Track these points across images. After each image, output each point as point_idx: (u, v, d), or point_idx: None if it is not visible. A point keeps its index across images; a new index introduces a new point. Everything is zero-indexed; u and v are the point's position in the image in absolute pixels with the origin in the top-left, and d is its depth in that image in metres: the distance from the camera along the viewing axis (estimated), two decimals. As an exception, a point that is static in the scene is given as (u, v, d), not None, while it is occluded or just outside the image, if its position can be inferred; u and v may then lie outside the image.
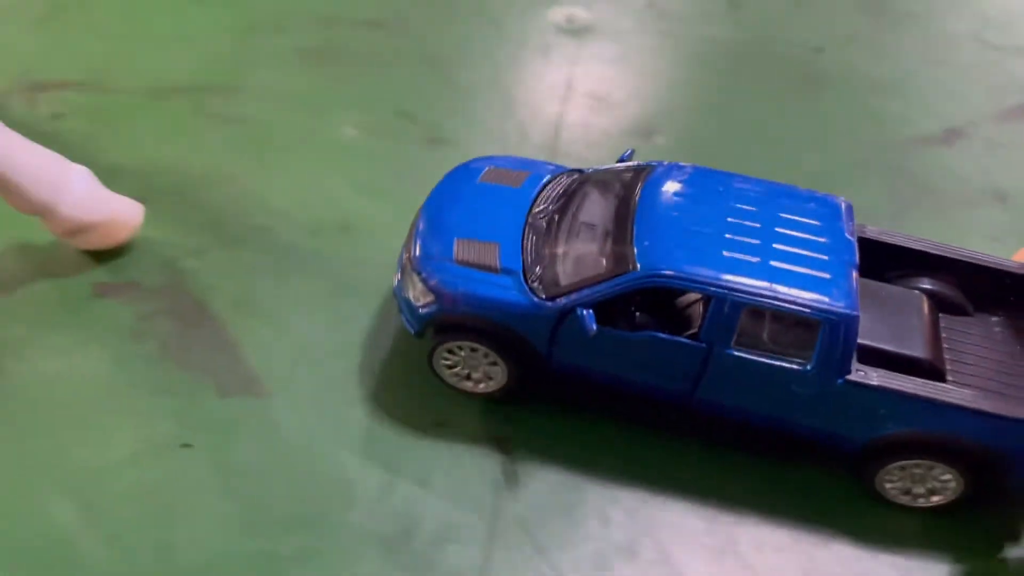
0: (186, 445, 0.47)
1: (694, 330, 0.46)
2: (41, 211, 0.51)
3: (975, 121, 0.74)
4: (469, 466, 0.48)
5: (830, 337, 0.44)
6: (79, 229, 0.52)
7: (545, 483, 0.48)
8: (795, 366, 0.45)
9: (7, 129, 0.49)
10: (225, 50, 0.71)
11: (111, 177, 0.57)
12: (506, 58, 0.74)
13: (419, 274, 0.48)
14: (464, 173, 0.53)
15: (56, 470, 0.46)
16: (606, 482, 0.48)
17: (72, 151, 0.58)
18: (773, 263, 0.45)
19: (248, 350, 0.52)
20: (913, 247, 0.53)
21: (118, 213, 0.54)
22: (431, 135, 0.66)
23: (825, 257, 0.46)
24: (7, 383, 0.49)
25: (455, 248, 0.48)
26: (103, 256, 0.55)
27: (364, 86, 0.69)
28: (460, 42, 0.75)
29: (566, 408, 0.51)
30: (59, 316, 0.52)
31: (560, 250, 0.48)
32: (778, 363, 0.45)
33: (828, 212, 0.49)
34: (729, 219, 0.47)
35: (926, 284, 0.53)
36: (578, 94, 0.71)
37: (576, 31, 0.77)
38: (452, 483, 0.47)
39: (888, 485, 0.48)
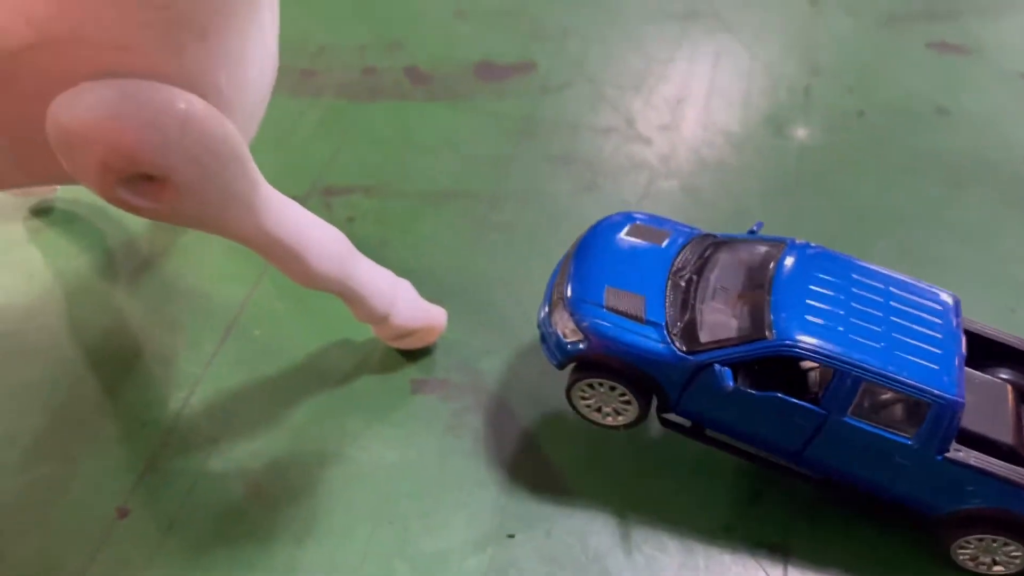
0: (511, 535, 0.55)
1: (812, 394, 0.52)
2: (378, 320, 0.59)
3: None
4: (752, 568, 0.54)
5: (937, 419, 0.50)
6: (404, 334, 0.60)
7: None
8: (901, 439, 0.51)
9: (356, 251, 0.58)
10: (484, 155, 0.80)
11: (407, 278, 0.65)
12: (736, 164, 0.80)
13: (572, 314, 0.54)
14: (611, 226, 0.59)
15: (410, 549, 0.53)
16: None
17: (368, 252, 0.67)
18: (893, 346, 0.51)
19: (549, 443, 0.59)
20: (1005, 340, 0.57)
21: (432, 319, 0.62)
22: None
23: (938, 347, 0.52)
24: (356, 469, 0.57)
25: (606, 295, 0.54)
26: (412, 354, 0.63)
27: (612, 189, 0.77)
28: (685, 143, 0.81)
29: (846, 519, 0.56)
30: (387, 409, 0.60)
31: (700, 309, 0.54)
32: (886, 435, 0.51)
33: (941, 305, 0.55)
34: (855, 302, 0.53)
35: (1005, 375, 0.57)
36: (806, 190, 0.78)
37: (799, 150, 0.82)
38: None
39: (960, 551, 0.53)
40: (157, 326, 0.64)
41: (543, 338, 0.57)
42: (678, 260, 0.57)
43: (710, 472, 0.58)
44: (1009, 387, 0.56)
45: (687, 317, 0.54)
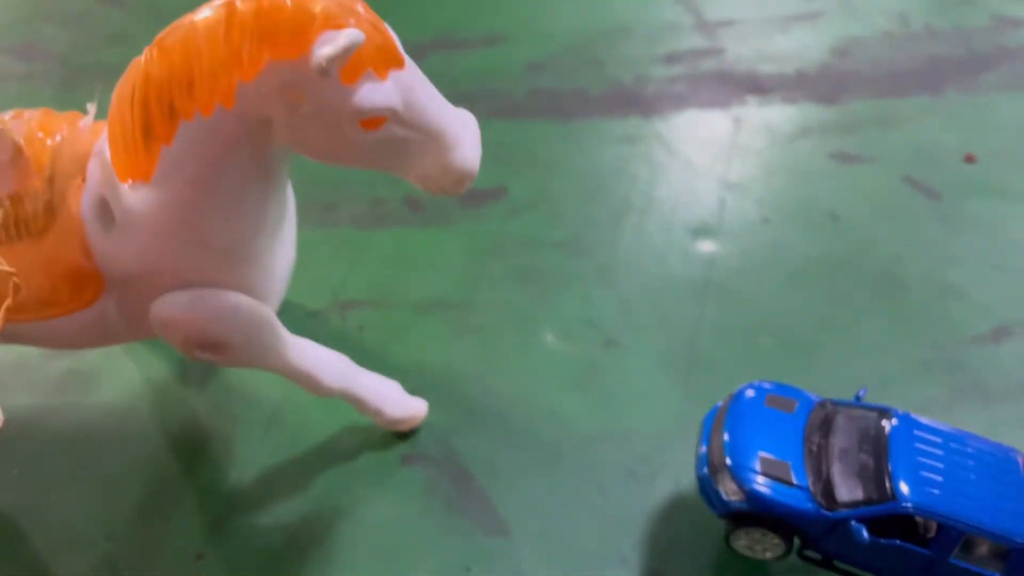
0: (467, 570, 0.76)
1: (923, 538, 0.68)
2: (374, 414, 0.82)
3: (1019, 319, 0.95)
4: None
5: (1018, 559, 0.66)
6: (395, 423, 0.83)
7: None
8: (992, 574, 0.67)
9: (355, 367, 0.80)
10: (461, 271, 1.02)
11: (400, 376, 0.87)
12: (660, 269, 1.01)
13: (734, 476, 0.70)
14: (750, 398, 0.75)
15: (396, 583, 0.75)
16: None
17: (373, 356, 0.90)
18: (983, 501, 0.66)
19: (500, 504, 0.80)
20: None
21: (415, 411, 0.84)
22: (608, 338, 0.94)
23: (1015, 498, 0.67)
24: (360, 521, 0.79)
25: (759, 462, 0.70)
26: (403, 435, 0.85)
27: (557, 299, 0.98)
28: (624, 255, 1.03)
29: None
30: (383, 477, 0.82)
31: (832, 471, 0.69)
32: (980, 570, 0.67)
33: (1009, 459, 0.70)
34: (952, 465, 0.68)
35: None
36: (714, 296, 0.98)
37: (712, 256, 1.03)
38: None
39: None
40: (219, 419, 0.86)
41: (703, 490, 0.72)
42: (807, 426, 0.72)
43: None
44: None
45: (823, 478, 0.69)
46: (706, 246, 1.04)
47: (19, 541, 0.77)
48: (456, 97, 1.32)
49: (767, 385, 0.77)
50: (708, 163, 1.15)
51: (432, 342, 0.94)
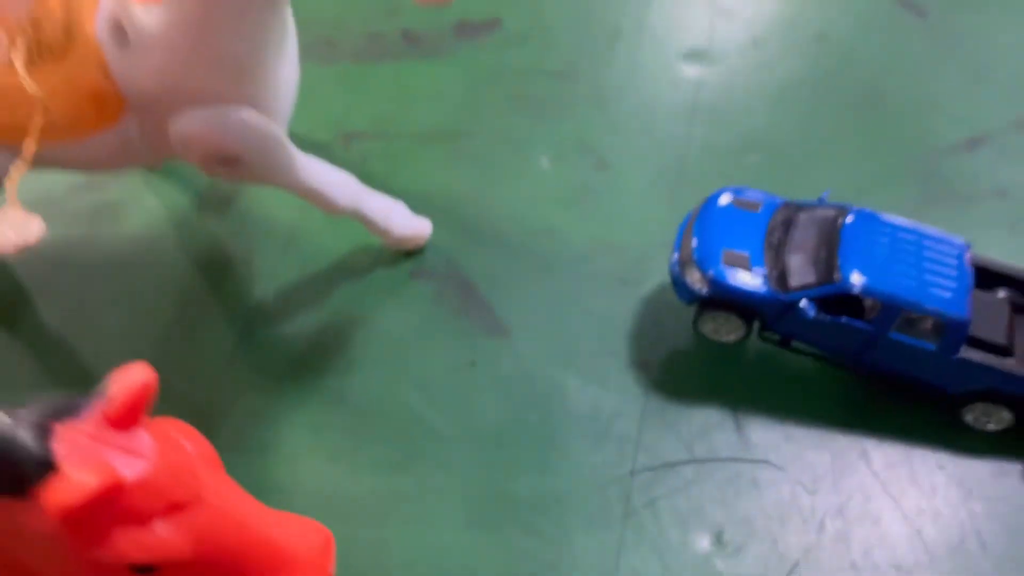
0: (472, 363, 0.84)
1: (867, 317, 0.75)
2: (382, 233, 0.87)
3: (994, 129, 0.99)
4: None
5: (951, 333, 0.73)
6: (402, 241, 0.88)
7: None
8: (928, 346, 0.74)
9: (364, 187, 0.85)
10: (460, 101, 1.05)
11: (404, 201, 0.93)
12: (650, 93, 1.04)
13: (699, 268, 0.78)
14: (719, 202, 0.82)
15: (414, 378, 0.83)
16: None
17: (378, 184, 0.94)
18: (922, 282, 0.73)
19: (501, 309, 0.87)
20: (1000, 270, 0.79)
21: (420, 230, 0.89)
22: (600, 160, 0.98)
23: (953, 280, 0.74)
24: (376, 328, 0.86)
25: (723, 254, 0.77)
26: (411, 254, 0.91)
27: (552, 124, 1.02)
28: (616, 81, 1.05)
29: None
30: (394, 290, 0.89)
31: (788, 260, 0.77)
32: (918, 344, 0.74)
33: (956, 248, 0.77)
34: (895, 251, 0.75)
35: (1003, 293, 0.80)
36: (702, 117, 1.01)
37: (700, 78, 1.05)
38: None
39: (968, 416, 0.77)
40: (239, 241, 0.92)
41: (674, 282, 0.80)
42: (770, 223, 0.79)
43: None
44: (1006, 302, 0.79)
45: (780, 266, 0.77)
46: (695, 70, 1.06)
47: (70, 349, 0.84)
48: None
49: (738, 191, 0.83)
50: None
51: (433, 169, 0.98)
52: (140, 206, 0.95)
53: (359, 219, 0.85)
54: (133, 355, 0.84)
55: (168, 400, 0.83)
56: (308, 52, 1.07)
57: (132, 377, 0.41)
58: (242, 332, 0.86)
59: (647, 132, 1.01)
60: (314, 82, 1.05)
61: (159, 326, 0.86)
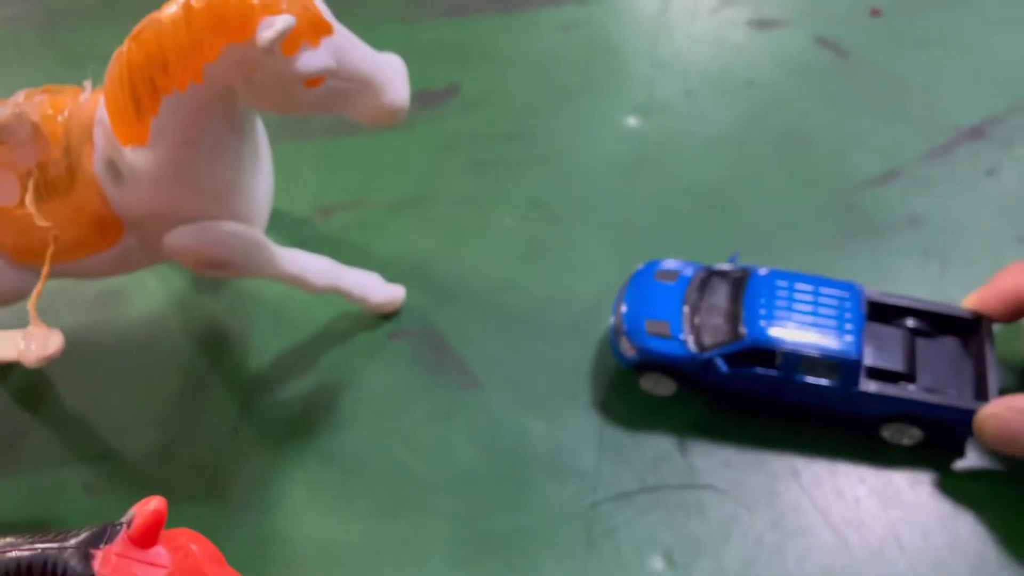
0: (448, 416, 0.93)
1: (776, 363, 0.84)
2: (361, 302, 0.97)
3: (908, 162, 1.08)
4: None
5: (846, 371, 0.83)
6: (379, 307, 0.98)
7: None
8: (829, 383, 0.84)
9: (340, 266, 0.95)
10: (424, 168, 1.15)
11: (380, 266, 1.02)
12: (596, 148, 1.13)
13: (628, 339, 0.88)
14: (646, 273, 0.92)
15: (396, 431, 0.92)
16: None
17: (356, 252, 1.05)
18: (819, 329, 0.83)
19: (471, 362, 0.97)
20: (899, 304, 0.89)
21: (394, 296, 0.99)
22: (553, 215, 1.08)
23: (848, 323, 0.84)
24: (360, 387, 0.96)
25: (646, 325, 0.88)
26: (387, 317, 1.01)
27: (509, 185, 1.12)
28: (565, 139, 1.15)
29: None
30: (374, 351, 0.99)
31: (703, 322, 0.87)
32: (820, 382, 0.84)
33: (850, 293, 0.87)
34: (794, 303, 0.85)
35: (909, 322, 0.90)
36: (643, 168, 1.11)
37: (641, 130, 1.15)
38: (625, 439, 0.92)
39: (884, 434, 0.87)
40: (234, 317, 1.02)
41: (613, 351, 0.90)
42: (687, 291, 0.90)
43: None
44: (906, 332, 0.88)
45: (696, 329, 0.87)
46: (636, 122, 1.16)
47: (92, 427, 0.94)
48: (408, 1, 1.41)
49: (660, 263, 0.94)
50: (638, 43, 1.25)
51: (404, 233, 1.08)
52: (142, 290, 1.05)
53: (339, 293, 0.95)
54: (146, 429, 0.95)
55: (182, 468, 0.94)
56: (284, 132, 1.18)
57: (148, 508, 0.52)
58: (243, 401, 0.96)
59: (595, 185, 1.10)
60: (292, 160, 1.16)
61: (168, 401, 0.96)
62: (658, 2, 1.29)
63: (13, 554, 0.51)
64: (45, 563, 0.50)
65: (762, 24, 1.25)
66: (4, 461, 0.93)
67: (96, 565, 0.50)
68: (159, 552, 0.52)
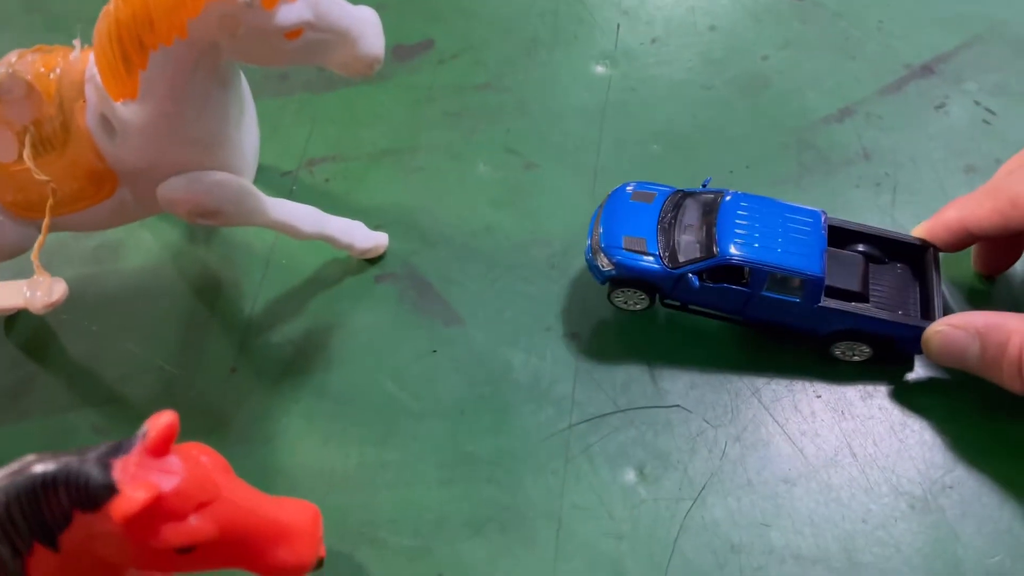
0: (434, 351, 0.98)
1: (744, 281, 0.89)
2: (347, 248, 1.01)
3: (861, 99, 1.12)
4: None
5: (810, 288, 0.87)
6: (365, 252, 1.02)
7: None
8: (794, 299, 0.89)
9: (324, 215, 0.98)
10: (403, 120, 1.17)
11: (364, 215, 1.06)
12: (567, 96, 1.16)
13: (605, 254, 0.91)
14: (621, 194, 0.96)
15: (385, 367, 0.97)
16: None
17: (340, 202, 1.08)
18: (785, 248, 0.87)
19: (454, 302, 1.01)
20: (856, 229, 0.94)
21: (378, 241, 1.03)
22: (527, 162, 1.11)
23: (811, 244, 0.88)
24: (350, 328, 1.00)
25: (623, 241, 0.91)
26: (373, 261, 1.05)
27: (484, 134, 1.14)
28: (536, 89, 1.18)
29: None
30: (362, 294, 1.02)
31: (677, 241, 0.91)
32: (785, 298, 0.88)
33: (812, 217, 0.91)
34: (762, 224, 0.89)
35: (861, 248, 0.94)
36: (612, 114, 1.14)
37: (608, 78, 1.18)
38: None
39: (836, 351, 0.92)
40: (226, 266, 1.06)
41: (589, 266, 0.93)
42: (662, 211, 0.93)
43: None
44: (861, 256, 0.92)
45: (671, 246, 0.90)
46: (604, 70, 1.18)
47: (97, 374, 0.98)
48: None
49: (635, 185, 0.97)
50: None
51: (386, 183, 1.11)
52: (137, 243, 1.09)
53: (325, 240, 0.98)
54: (148, 373, 0.99)
55: (185, 407, 0.97)
56: (265, 88, 1.20)
57: (161, 421, 0.56)
58: (239, 344, 1.00)
59: (566, 133, 1.14)
60: (275, 115, 1.18)
61: (168, 347, 1.00)
62: (623, -47, 1.31)
63: (39, 468, 0.55)
64: (68, 474, 0.54)
65: (723, -29, 1.28)
66: (15, 408, 0.97)
67: (115, 473, 0.54)
68: (172, 461, 0.56)
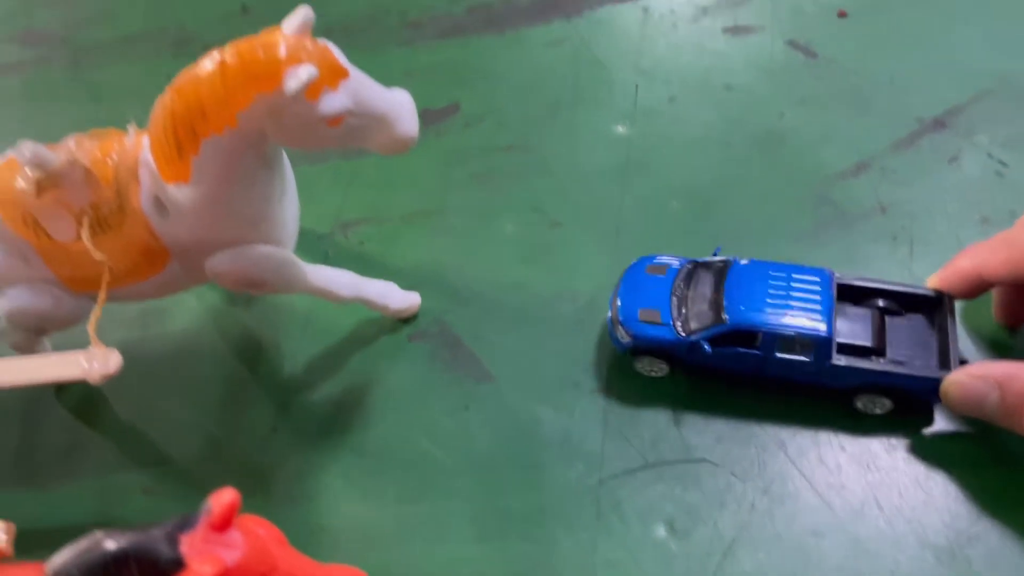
0: (466, 408, 1.01)
1: (756, 344, 0.91)
2: (382, 309, 1.04)
3: (876, 154, 1.15)
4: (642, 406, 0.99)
5: (819, 347, 0.90)
6: (399, 313, 1.05)
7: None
8: (805, 359, 0.91)
9: (360, 278, 1.02)
10: (432, 182, 1.22)
11: (397, 275, 1.09)
12: (591, 157, 1.20)
13: (623, 326, 0.95)
14: (638, 268, 1.00)
15: (420, 424, 0.99)
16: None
17: (374, 263, 1.12)
18: (793, 312, 0.90)
19: (485, 358, 1.04)
20: (869, 285, 0.95)
21: (411, 302, 1.06)
22: (552, 220, 1.15)
23: (819, 305, 0.90)
24: (386, 385, 1.03)
25: (639, 313, 0.95)
26: (407, 321, 1.08)
27: (510, 193, 1.18)
28: (560, 149, 1.22)
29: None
30: (396, 352, 1.06)
31: (689, 309, 0.94)
32: (797, 358, 0.91)
33: (820, 277, 0.93)
34: (770, 288, 0.92)
35: (879, 303, 0.96)
36: (633, 172, 1.18)
37: (629, 137, 1.22)
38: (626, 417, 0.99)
39: (858, 404, 0.93)
40: (266, 328, 1.10)
41: (611, 338, 0.97)
42: (675, 282, 0.96)
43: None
44: (875, 310, 0.94)
45: (683, 315, 0.94)
46: (624, 130, 1.22)
47: (145, 435, 1.02)
48: (408, 26, 1.49)
49: (651, 258, 1.01)
50: (622, 54, 1.31)
51: (418, 244, 1.15)
52: (181, 307, 1.13)
53: (361, 302, 1.02)
54: (194, 434, 1.02)
55: (229, 467, 1.01)
56: (302, 155, 1.24)
57: (224, 498, 0.59)
58: (280, 404, 1.03)
59: (589, 191, 1.17)
60: (312, 181, 1.23)
61: (212, 407, 1.04)
62: (639, 15, 1.36)
63: (109, 545, 0.58)
64: (138, 550, 0.58)
65: (737, 31, 1.32)
66: (67, 469, 1.00)
67: (183, 548, 0.58)
68: (234, 535, 0.59)
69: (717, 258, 0.98)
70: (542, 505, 0.93)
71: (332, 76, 0.72)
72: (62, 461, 1.01)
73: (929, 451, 0.92)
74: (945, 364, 0.91)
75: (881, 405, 0.93)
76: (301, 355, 1.07)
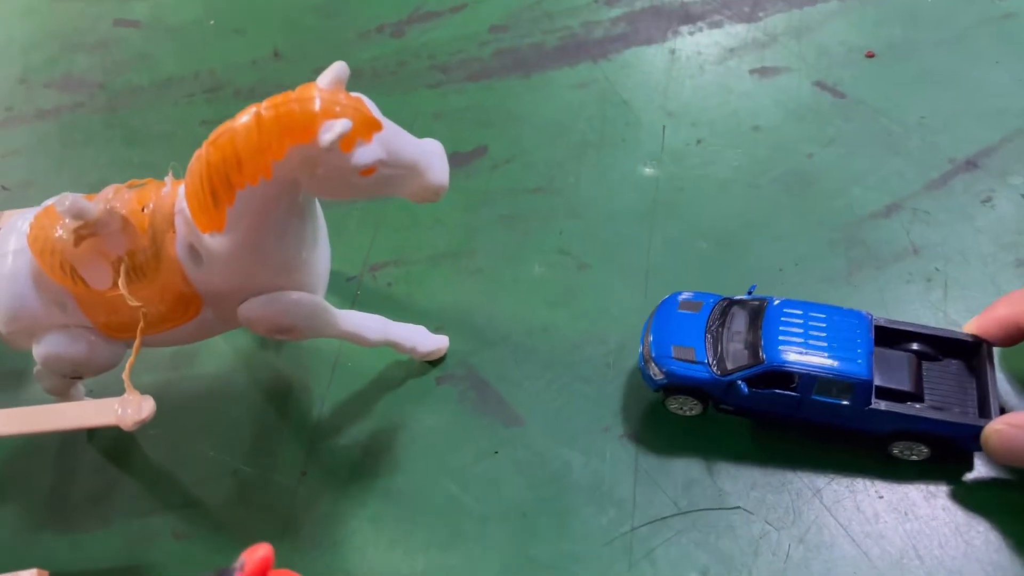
0: (495, 452, 1.00)
1: (793, 385, 0.90)
2: (410, 352, 1.04)
3: (907, 195, 1.14)
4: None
5: (859, 391, 0.88)
6: (427, 355, 1.05)
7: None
8: (843, 402, 0.89)
9: (389, 322, 1.02)
10: (460, 224, 1.22)
11: (425, 317, 1.10)
12: (618, 199, 1.20)
13: (657, 364, 0.94)
14: (671, 304, 0.98)
15: (448, 469, 0.99)
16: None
17: (402, 305, 1.12)
18: (831, 353, 0.88)
19: (513, 401, 1.03)
20: (906, 329, 0.94)
21: (439, 344, 1.06)
22: (580, 262, 1.15)
23: (858, 348, 0.89)
24: (412, 431, 1.03)
25: (673, 350, 0.94)
26: (434, 363, 1.08)
27: (538, 235, 1.19)
28: (587, 191, 1.22)
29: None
30: (424, 396, 1.05)
31: (725, 348, 0.93)
32: (835, 401, 0.89)
33: (859, 321, 0.92)
34: (809, 330, 0.91)
35: (915, 346, 0.95)
36: (661, 214, 1.18)
37: (656, 178, 1.22)
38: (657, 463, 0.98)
39: (894, 451, 0.91)
40: (296, 370, 1.10)
41: (643, 376, 0.96)
42: (709, 319, 0.95)
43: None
44: (912, 355, 0.93)
45: (719, 354, 0.93)
46: (651, 171, 1.22)
47: (175, 477, 1.02)
48: (436, 69, 1.50)
49: (682, 295, 0.99)
50: (649, 96, 1.32)
51: (446, 286, 1.15)
52: (212, 351, 1.13)
53: (389, 346, 1.02)
54: (224, 476, 1.02)
55: (258, 510, 1.01)
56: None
57: (258, 554, 0.59)
58: (309, 447, 1.03)
59: (617, 233, 1.17)
60: (340, 223, 1.24)
61: (242, 450, 1.04)
62: (666, 56, 1.37)
63: (141, 600, 0.58)
64: (171, 606, 0.58)
65: (764, 72, 1.32)
66: (98, 513, 1.00)
67: (219, 601, 0.58)
68: (268, 591, 0.59)
69: (753, 296, 0.97)
70: (573, 553, 0.91)
71: (366, 128, 0.73)
72: (94, 504, 1.01)
73: (968, 499, 0.90)
74: (985, 411, 0.89)
75: (918, 452, 0.91)
76: (330, 398, 1.07)
